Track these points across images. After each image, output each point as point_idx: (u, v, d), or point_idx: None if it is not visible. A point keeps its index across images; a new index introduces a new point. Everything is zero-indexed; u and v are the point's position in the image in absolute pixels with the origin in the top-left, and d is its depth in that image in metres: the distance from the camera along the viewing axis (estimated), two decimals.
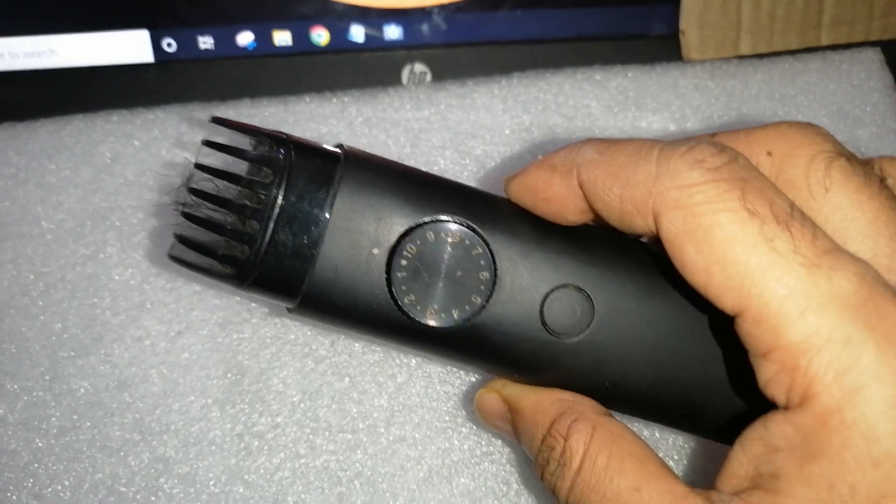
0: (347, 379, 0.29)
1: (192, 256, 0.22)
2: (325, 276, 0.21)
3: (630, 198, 0.19)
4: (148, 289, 0.31)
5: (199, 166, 0.22)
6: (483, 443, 0.29)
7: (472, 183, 0.34)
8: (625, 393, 0.22)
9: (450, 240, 0.21)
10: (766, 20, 0.38)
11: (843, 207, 0.19)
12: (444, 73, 0.37)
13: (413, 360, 0.30)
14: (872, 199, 0.19)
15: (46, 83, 0.35)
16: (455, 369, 0.30)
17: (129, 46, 0.35)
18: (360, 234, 0.21)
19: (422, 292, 0.21)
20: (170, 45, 0.35)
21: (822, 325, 0.17)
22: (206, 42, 0.35)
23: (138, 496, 0.28)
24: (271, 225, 0.21)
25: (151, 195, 0.34)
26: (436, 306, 0.21)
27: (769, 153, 0.20)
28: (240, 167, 0.22)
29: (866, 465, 0.16)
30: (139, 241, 0.32)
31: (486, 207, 0.22)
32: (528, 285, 0.22)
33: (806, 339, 0.17)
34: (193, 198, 0.22)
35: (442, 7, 0.36)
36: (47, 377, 0.30)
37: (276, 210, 0.21)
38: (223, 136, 0.23)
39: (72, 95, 0.36)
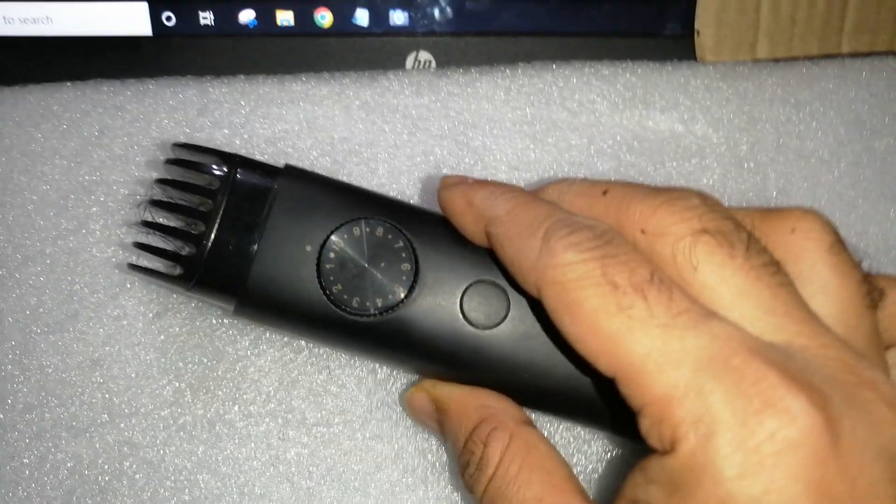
0: (326, 372, 0.28)
1: (147, 261, 0.26)
2: (264, 272, 0.23)
3: (518, 265, 0.21)
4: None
5: (159, 181, 0.26)
6: None
7: (471, 174, 0.33)
8: (540, 385, 0.24)
9: (374, 235, 0.24)
10: (785, 23, 0.37)
11: (710, 284, 0.20)
12: (450, 62, 0.36)
13: None
14: (736, 272, 0.20)
15: (40, 51, 0.34)
16: None
17: (128, 18, 0.34)
18: (295, 234, 0.24)
19: (348, 283, 0.23)
20: (169, 18, 0.34)
21: (678, 379, 0.18)
22: (206, 18, 0.34)
23: (101, 479, 0.27)
24: (216, 226, 0.24)
25: (139, 171, 0.33)
26: (361, 296, 0.23)
27: (643, 231, 0.21)
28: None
29: (714, 503, 0.18)
30: (123, 217, 0.31)
31: (411, 213, 0.25)
32: (448, 278, 0.24)
33: (666, 392, 0.19)
34: (154, 208, 0.26)
35: None
36: (18, 351, 0.29)
37: (220, 213, 0.24)
38: (189, 154, 0.26)
39: (65, 64, 0.35)
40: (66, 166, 0.33)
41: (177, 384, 0.28)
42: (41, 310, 0.30)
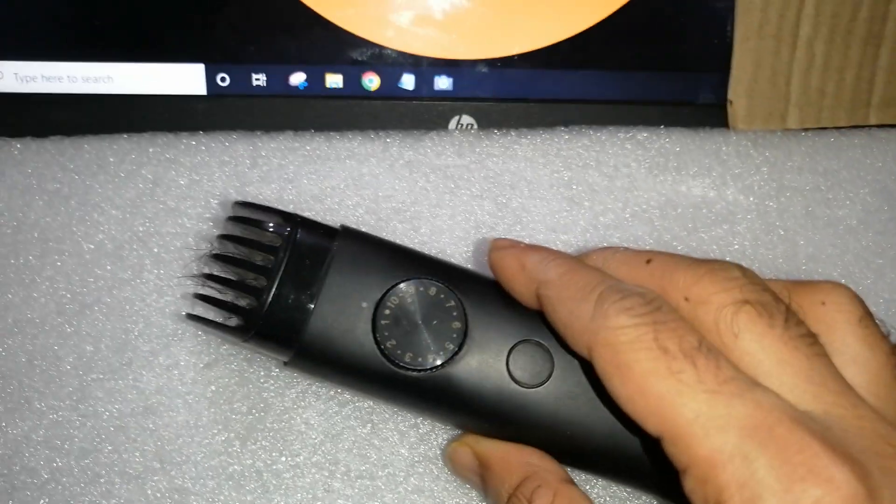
0: (370, 425, 0.29)
1: (206, 312, 0.26)
2: (321, 326, 0.25)
3: (571, 326, 0.22)
4: (182, 318, 0.32)
5: (221, 236, 0.27)
6: None
7: (509, 234, 0.35)
8: (582, 443, 0.25)
9: (427, 294, 0.25)
10: (815, 95, 0.38)
11: (752, 351, 0.21)
12: (491, 126, 0.38)
13: None
14: (775, 342, 0.21)
15: (100, 107, 0.36)
16: None
17: (184, 78, 0.36)
18: (352, 291, 0.25)
19: (402, 338, 0.24)
20: (223, 79, 0.36)
21: (724, 443, 0.19)
22: (258, 79, 0.36)
23: None
24: (276, 281, 0.25)
25: (191, 223, 0.34)
26: (413, 351, 0.24)
27: (686, 299, 0.22)
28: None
29: None
30: (176, 269, 0.33)
31: (462, 275, 0.26)
32: (496, 338, 0.25)
33: (712, 455, 0.19)
34: (214, 262, 0.27)
35: (492, 61, 0.37)
36: (74, 398, 0.30)
37: (281, 269, 0.25)
38: (251, 212, 0.27)
39: (122, 119, 0.36)
40: (121, 217, 0.34)
41: (226, 434, 0.29)
42: (97, 358, 0.31)
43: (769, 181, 0.37)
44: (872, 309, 0.26)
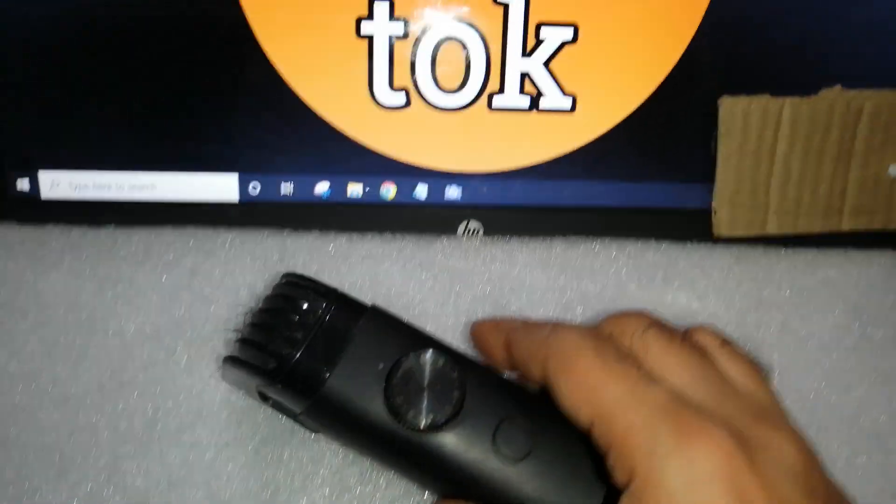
0: None
1: (245, 354, 0.30)
2: (340, 377, 0.29)
3: (529, 350, 0.29)
4: (206, 399, 0.35)
5: (269, 297, 0.32)
6: None
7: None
8: None
9: (436, 364, 0.29)
10: (792, 204, 0.41)
11: (659, 357, 0.27)
12: (495, 230, 0.41)
13: (431, 500, 0.33)
14: (676, 350, 0.27)
15: (144, 212, 0.40)
16: None
17: (219, 186, 0.40)
18: (372, 354, 0.29)
19: (409, 397, 0.28)
20: (255, 187, 0.40)
21: (636, 420, 0.25)
22: (287, 188, 0.40)
23: None
24: (311, 335, 0.30)
25: (220, 311, 0.38)
26: (417, 409, 0.28)
27: (611, 334, 0.29)
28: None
29: None
30: (205, 353, 0.36)
31: (465, 357, 0.30)
32: (486, 411, 0.29)
33: (627, 430, 0.25)
34: (260, 314, 0.31)
35: (497, 174, 0.41)
36: (107, 471, 0.33)
37: (318, 328, 0.30)
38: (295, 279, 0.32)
39: (163, 219, 0.40)
40: (160, 303, 0.38)
41: None
42: (130, 433, 0.34)
43: (749, 295, 0.40)
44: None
